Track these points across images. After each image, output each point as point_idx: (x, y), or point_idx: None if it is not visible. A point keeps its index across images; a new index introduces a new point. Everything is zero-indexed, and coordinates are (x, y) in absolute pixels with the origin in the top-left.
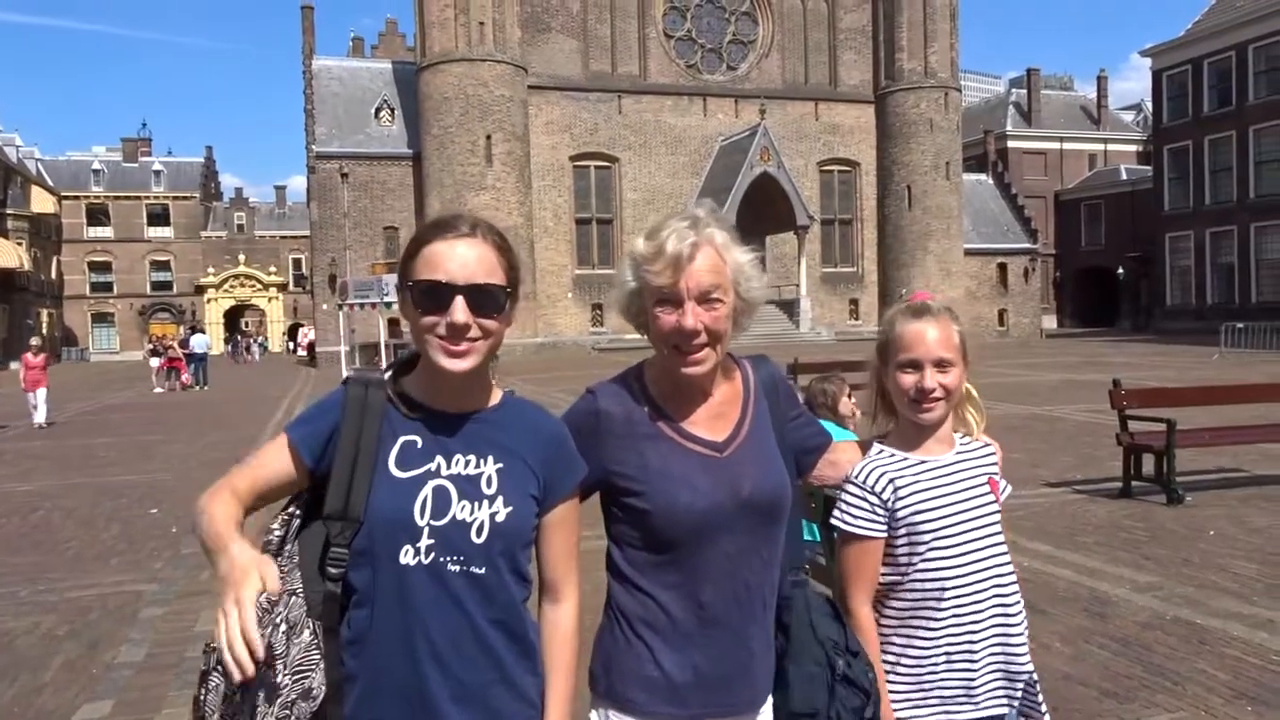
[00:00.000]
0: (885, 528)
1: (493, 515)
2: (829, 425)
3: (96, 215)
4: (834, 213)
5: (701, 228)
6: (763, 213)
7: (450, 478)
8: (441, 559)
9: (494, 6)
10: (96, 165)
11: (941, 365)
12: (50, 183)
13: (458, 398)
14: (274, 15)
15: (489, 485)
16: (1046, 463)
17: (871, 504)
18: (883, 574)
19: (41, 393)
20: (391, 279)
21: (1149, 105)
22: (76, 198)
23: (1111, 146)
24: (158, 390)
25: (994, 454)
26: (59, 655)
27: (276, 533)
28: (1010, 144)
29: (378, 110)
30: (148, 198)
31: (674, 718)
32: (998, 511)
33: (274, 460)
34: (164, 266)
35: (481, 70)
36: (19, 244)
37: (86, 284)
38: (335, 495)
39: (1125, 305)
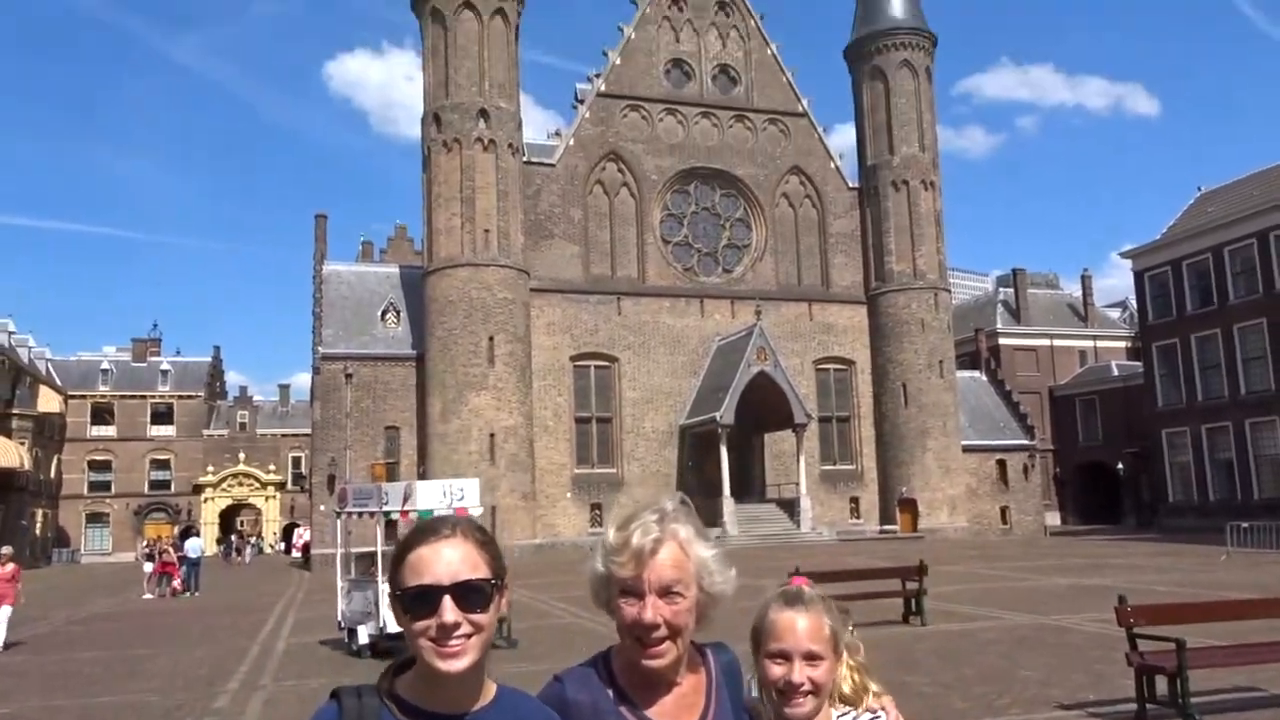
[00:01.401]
0: None
1: None
2: None
3: (101, 414)
4: (831, 410)
5: (667, 523)
6: (761, 411)
7: None
8: None
9: (499, 215)
10: (105, 365)
11: (811, 659)
12: (59, 382)
13: (453, 699)
14: (288, 216)
15: None
16: (1058, 681)
17: None
18: None
19: (5, 610)
20: (393, 488)
21: (1134, 302)
22: (83, 397)
23: (1101, 343)
24: (147, 596)
25: None
26: None
27: None
28: (1001, 341)
29: (384, 312)
30: (153, 397)
31: None
32: None
33: None
34: (164, 465)
35: (486, 274)
36: (21, 443)
37: (85, 483)
38: None
39: (1128, 501)
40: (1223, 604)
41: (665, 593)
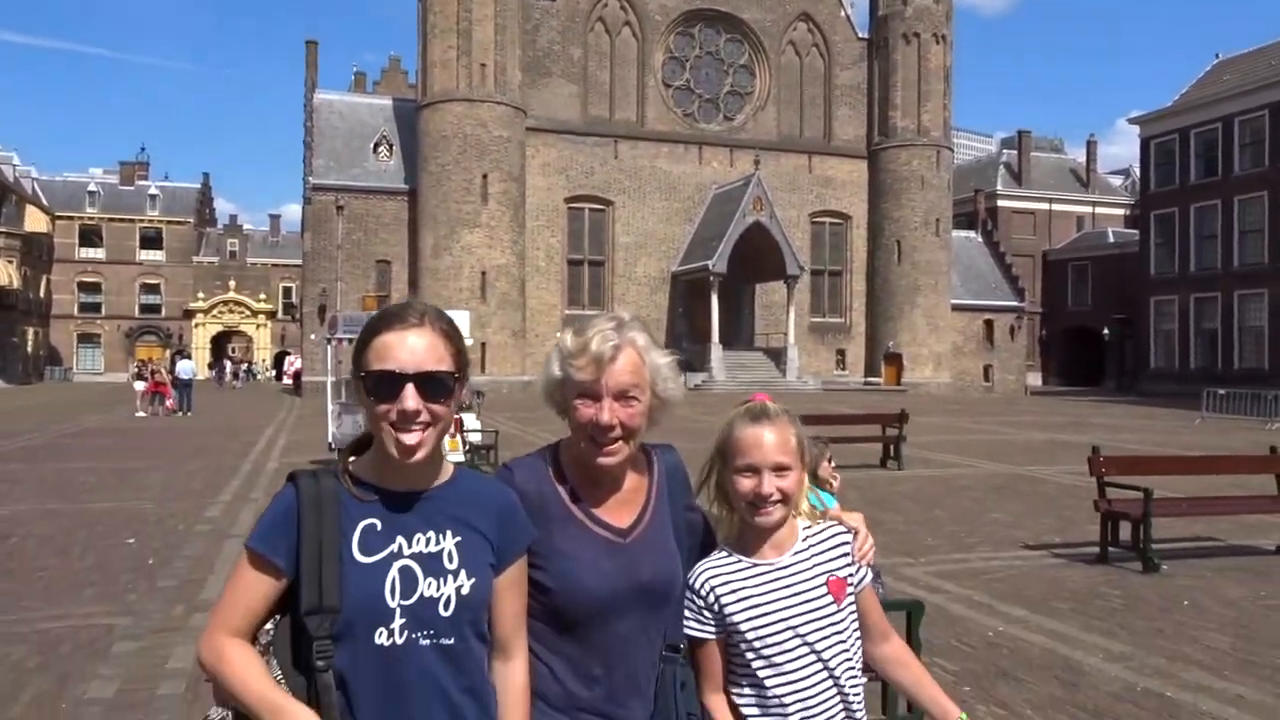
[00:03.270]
0: (714, 630)
1: (458, 589)
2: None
3: (89, 236)
4: (824, 264)
5: (625, 331)
6: (753, 261)
7: (413, 557)
8: (414, 635)
9: (496, 49)
10: (92, 187)
11: (779, 470)
12: (45, 202)
13: (411, 477)
14: (278, 46)
15: (450, 560)
16: (1026, 525)
17: (698, 606)
18: (737, 670)
19: None
20: None
21: (1137, 170)
22: (70, 218)
23: (1099, 209)
24: (140, 414)
25: (844, 545)
26: (28, 688)
27: (270, 630)
28: (1000, 203)
29: (376, 145)
30: (142, 221)
31: None
32: (840, 613)
33: (253, 582)
34: (154, 290)
35: (481, 111)
36: (9, 261)
37: (75, 304)
38: (310, 590)
39: (1110, 366)
40: (1191, 459)
41: (621, 396)
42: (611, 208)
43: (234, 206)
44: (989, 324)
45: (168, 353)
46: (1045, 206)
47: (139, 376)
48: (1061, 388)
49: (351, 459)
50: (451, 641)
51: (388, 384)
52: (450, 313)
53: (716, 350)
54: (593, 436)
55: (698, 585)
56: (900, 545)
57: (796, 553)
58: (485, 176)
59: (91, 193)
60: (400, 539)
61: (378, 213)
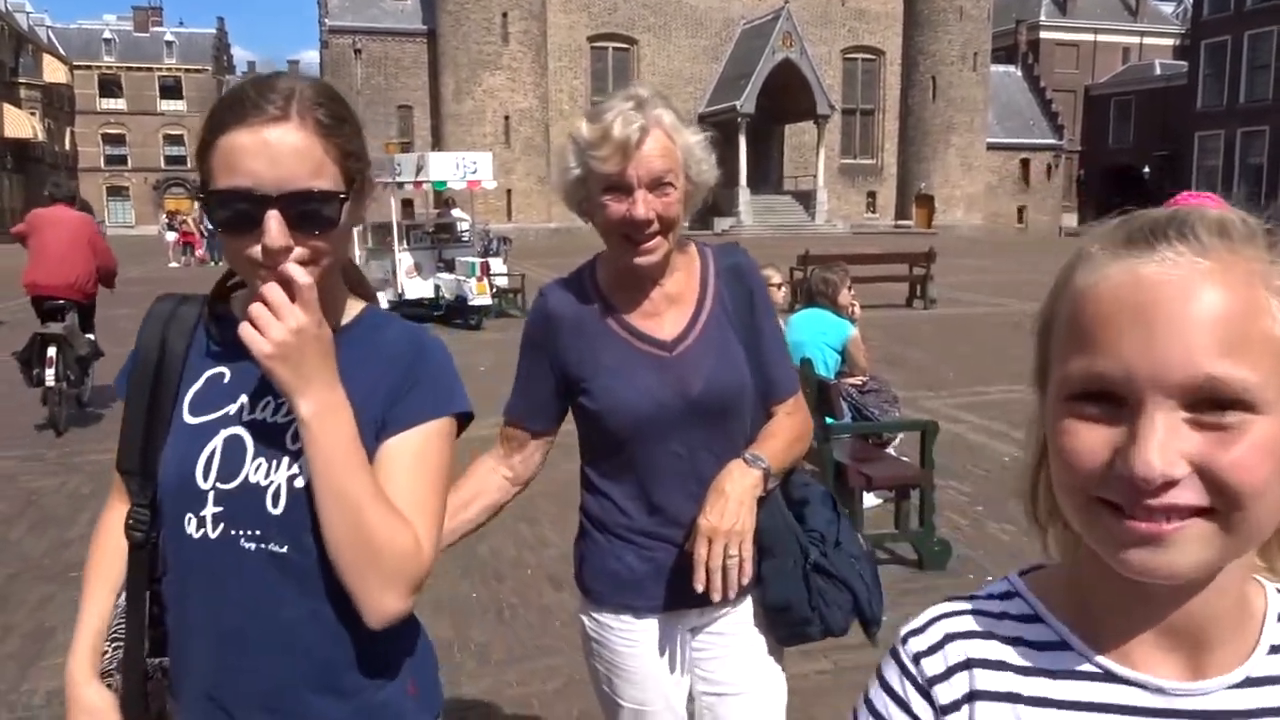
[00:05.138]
0: None
1: (291, 479)
2: (826, 315)
3: (109, 86)
4: (855, 103)
5: (649, 109)
6: (782, 100)
7: (249, 424)
8: (232, 532)
9: None
10: (107, 34)
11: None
12: (62, 51)
13: None
14: None
15: (295, 438)
16: None
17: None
18: None
19: None
20: (405, 158)
21: None
22: (89, 68)
23: (1148, 40)
24: (173, 265)
25: None
26: (85, 512)
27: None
28: (1043, 35)
29: None
30: (160, 69)
31: (637, 608)
32: None
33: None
34: (178, 141)
35: None
36: (32, 114)
37: (100, 156)
38: (128, 444)
39: (1149, 205)
40: None
41: (655, 185)
42: (636, 46)
43: (251, 53)
44: (1025, 163)
45: (196, 204)
46: (1090, 38)
47: (169, 228)
48: None
49: (234, 289)
50: (284, 550)
51: (241, 210)
52: (472, 154)
53: (744, 194)
54: (627, 235)
55: (912, 660)
56: (921, 380)
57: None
58: (505, 15)
59: (107, 40)
60: (244, 399)
61: (397, 55)
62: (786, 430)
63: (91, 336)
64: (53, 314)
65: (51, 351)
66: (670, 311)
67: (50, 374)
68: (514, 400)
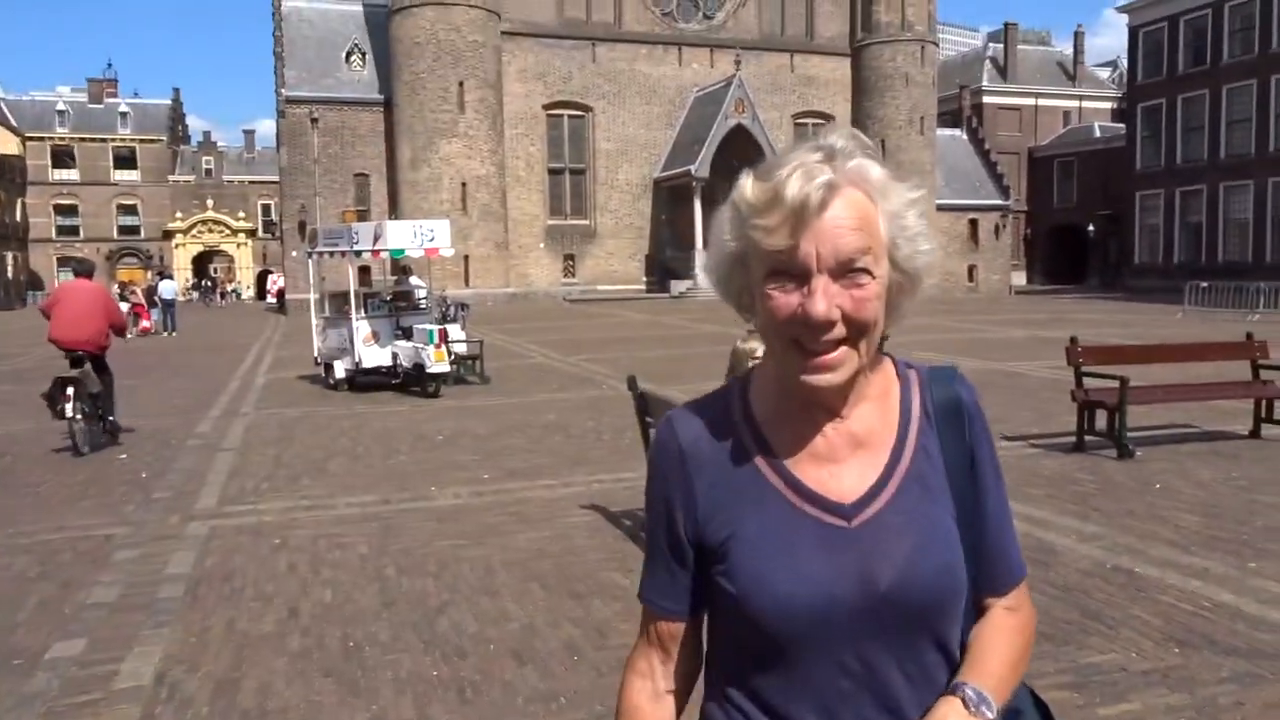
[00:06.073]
0: None
1: None
2: None
3: (62, 157)
4: None
5: (843, 159)
6: (736, 166)
7: None
8: None
9: None
10: (61, 106)
11: None
12: (14, 123)
13: None
14: None
15: None
16: (1006, 418)
17: None
18: None
19: None
20: (362, 227)
21: (1124, 62)
22: (41, 139)
23: (1086, 104)
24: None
25: None
26: (32, 595)
27: None
28: (985, 99)
29: (349, 54)
30: (114, 140)
31: None
32: None
33: None
34: (131, 211)
35: (454, 15)
36: None
37: (52, 227)
38: None
39: (1094, 263)
40: (1166, 347)
41: (844, 270)
42: (591, 114)
43: (207, 123)
44: (973, 224)
45: (149, 274)
46: (1031, 102)
47: (121, 298)
48: (1046, 286)
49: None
50: None
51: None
52: (430, 221)
53: (700, 257)
54: (797, 340)
55: None
56: None
57: None
58: (461, 84)
59: (61, 112)
60: None
61: (353, 124)
62: (1010, 643)
63: (109, 375)
64: (74, 362)
65: (70, 390)
66: (854, 460)
67: (69, 407)
68: (653, 579)
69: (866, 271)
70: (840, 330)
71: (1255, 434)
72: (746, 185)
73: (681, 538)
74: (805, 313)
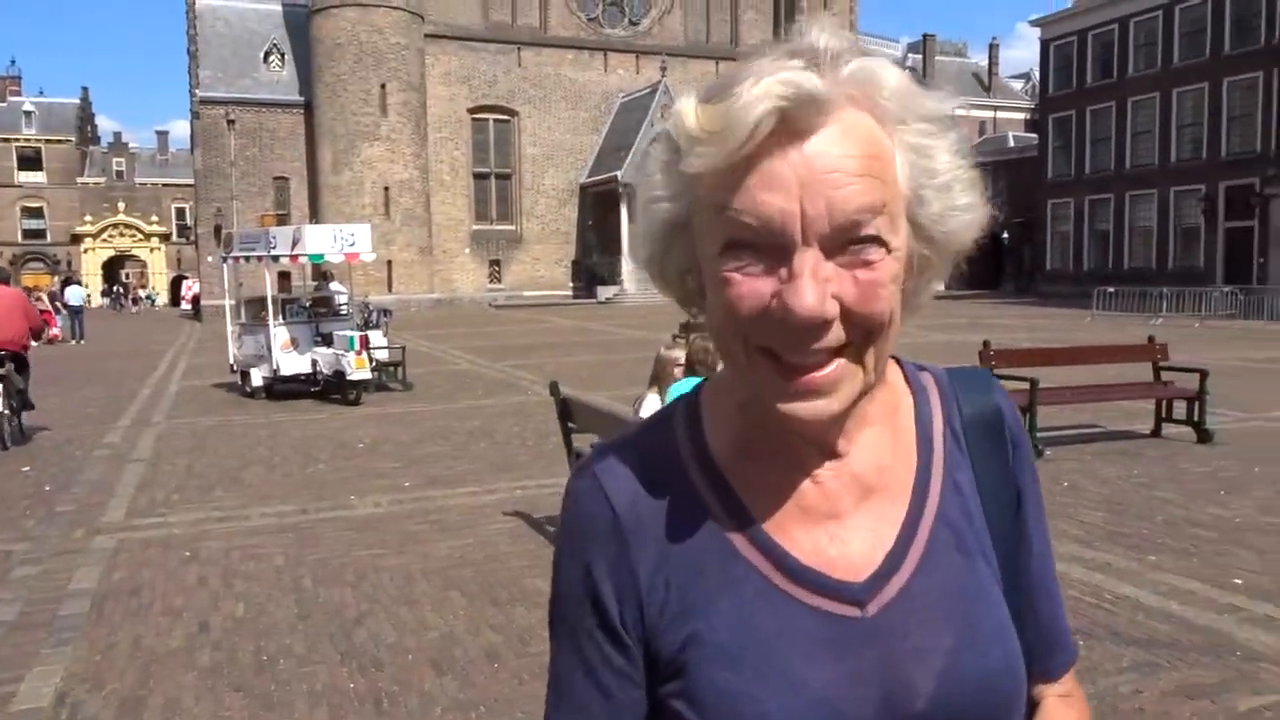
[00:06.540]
0: None
1: None
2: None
3: None
4: None
5: (834, 64)
6: None
7: None
8: None
9: None
10: None
11: None
12: None
13: None
14: None
15: None
16: None
17: None
18: None
19: None
20: (280, 231)
21: (1037, 74)
22: None
23: (1001, 114)
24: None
25: None
26: None
27: None
28: None
29: (267, 54)
30: (18, 140)
31: None
32: None
33: None
34: (37, 214)
35: (375, 16)
36: None
37: None
38: None
39: (1009, 269)
40: (1075, 349)
41: (843, 240)
42: (517, 118)
43: (117, 123)
44: None
45: (56, 279)
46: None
47: None
48: (962, 291)
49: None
50: None
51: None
52: (350, 226)
53: (627, 263)
54: (770, 349)
55: None
56: None
57: None
58: (384, 86)
59: None
60: None
61: (272, 126)
62: None
63: (28, 373)
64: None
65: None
66: (861, 514)
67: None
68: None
69: (877, 241)
70: (838, 333)
71: (1156, 433)
72: (688, 110)
73: (623, 647)
74: (784, 307)
